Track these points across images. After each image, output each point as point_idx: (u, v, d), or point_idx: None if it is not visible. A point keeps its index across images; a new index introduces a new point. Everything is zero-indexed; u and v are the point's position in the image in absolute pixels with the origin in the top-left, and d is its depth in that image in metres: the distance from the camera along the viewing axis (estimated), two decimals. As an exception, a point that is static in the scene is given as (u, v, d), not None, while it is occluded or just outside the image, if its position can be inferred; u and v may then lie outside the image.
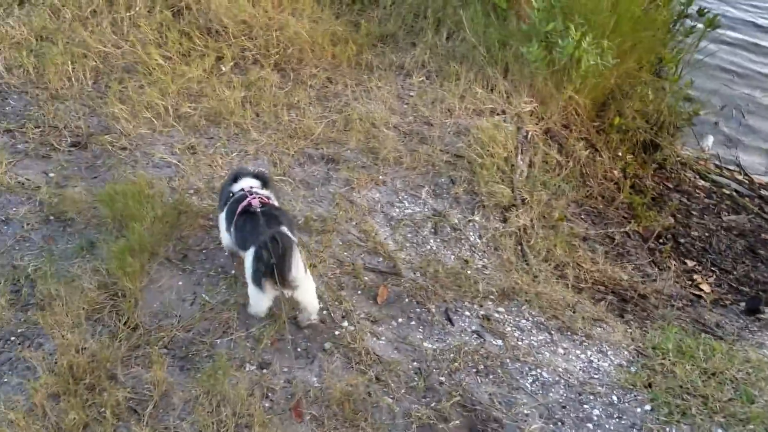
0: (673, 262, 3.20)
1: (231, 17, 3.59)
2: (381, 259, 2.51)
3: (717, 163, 4.40)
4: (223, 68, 3.42)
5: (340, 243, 2.55)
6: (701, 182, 4.06)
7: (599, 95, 3.71)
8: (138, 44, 3.43)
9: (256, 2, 3.69)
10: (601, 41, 3.29)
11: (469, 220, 2.83)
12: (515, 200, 2.96)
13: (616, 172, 3.68)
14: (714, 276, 3.22)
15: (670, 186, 3.96)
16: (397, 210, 2.79)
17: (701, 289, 3.06)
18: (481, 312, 2.34)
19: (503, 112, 3.38)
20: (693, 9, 4.65)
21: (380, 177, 2.93)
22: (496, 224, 2.84)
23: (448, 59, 3.63)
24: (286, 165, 2.90)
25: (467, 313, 2.33)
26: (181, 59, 3.41)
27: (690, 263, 3.29)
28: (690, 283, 3.10)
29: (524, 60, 3.45)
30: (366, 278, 2.41)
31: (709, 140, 4.51)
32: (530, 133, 3.33)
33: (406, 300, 2.36)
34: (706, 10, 4.85)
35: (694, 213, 3.74)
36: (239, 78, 3.35)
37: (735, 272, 3.28)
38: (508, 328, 2.28)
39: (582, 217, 3.19)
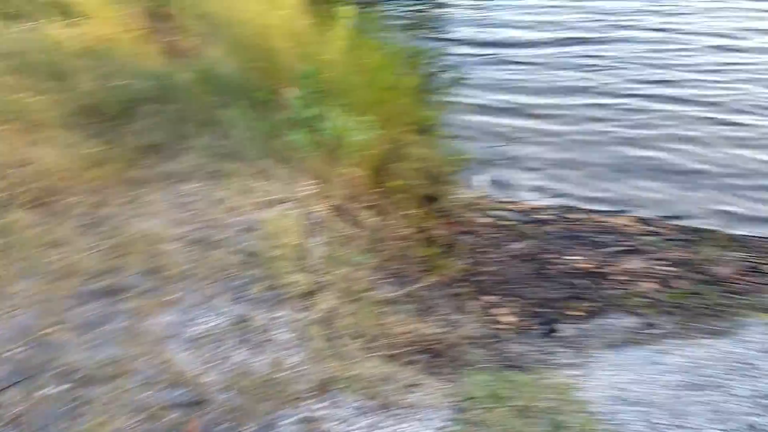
0: (475, 302, 3.40)
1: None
2: (184, 389, 2.33)
3: (495, 197, 4.85)
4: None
5: (135, 385, 2.32)
6: (486, 219, 4.43)
7: (375, 163, 3.92)
8: None
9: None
10: (360, 117, 3.50)
11: (273, 318, 2.75)
12: (316, 285, 2.95)
13: (408, 230, 3.87)
14: (513, 305, 3.47)
15: (460, 230, 4.26)
16: (195, 328, 2.63)
17: (504, 322, 3.28)
18: (301, 415, 2.25)
19: (288, 200, 3.41)
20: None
21: (170, 297, 2.75)
22: (301, 315, 2.80)
23: (223, 158, 3.60)
24: (58, 312, 2.60)
25: (286, 421, 2.22)
26: None
27: (490, 298, 3.53)
28: (493, 318, 3.31)
29: (296, 147, 3.53)
30: (172, 416, 2.21)
31: (484, 179, 4.97)
32: (319, 214, 3.39)
33: (221, 428, 2.19)
34: (454, 67, 5.44)
35: (484, 250, 4.04)
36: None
37: (530, 297, 3.57)
38: (331, 424, 2.22)
39: (385, 281, 3.28)
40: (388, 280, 3.24)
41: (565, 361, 2.70)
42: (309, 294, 2.90)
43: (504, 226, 4.27)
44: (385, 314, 2.93)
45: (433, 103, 4.94)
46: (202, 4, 4.83)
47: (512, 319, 3.27)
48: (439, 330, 2.91)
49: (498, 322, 3.27)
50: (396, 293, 3.14)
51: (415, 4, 8.08)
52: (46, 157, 3.29)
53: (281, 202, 3.40)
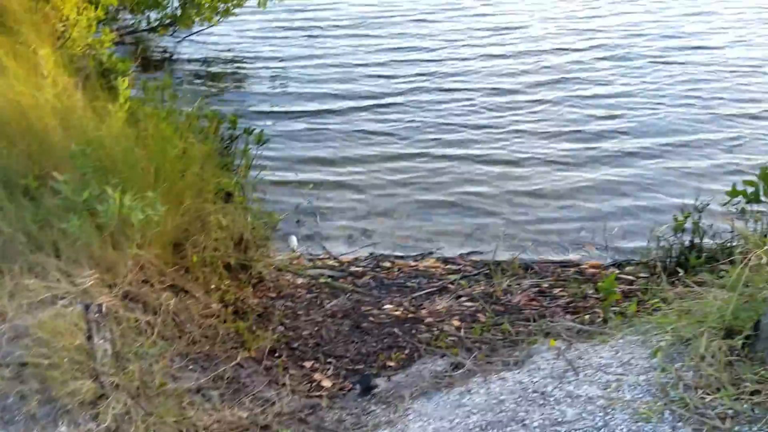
0: (292, 372, 3.27)
1: None
2: None
3: (308, 255, 4.79)
4: None
5: None
6: (300, 280, 4.34)
7: (170, 240, 3.67)
8: None
9: None
10: (145, 194, 3.26)
11: (52, 438, 2.38)
12: (104, 388, 2.63)
13: (214, 305, 3.65)
14: (331, 367, 3.39)
15: (273, 295, 4.12)
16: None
17: (324, 387, 3.18)
18: None
19: (66, 295, 3.04)
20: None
21: None
22: (88, 426, 2.46)
23: (-17, 259, 3.13)
24: None
25: None
26: None
27: (307, 364, 3.42)
28: (311, 385, 3.20)
29: (73, 234, 3.18)
30: None
31: (293, 240, 4.90)
32: (104, 305, 3.05)
33: None
34: (252, 128, 5.36)
35: (300, 313, 3.94)
36: None
37: (348, 355, 3.52)
38: None
39: (189, 367, 3.03)
40: (192, 366, 3.00)
41: (382, 419, 2.66)
42: (96, 400, 2.57)
43: (318, 284, 4.22)
44: (190, 406, 2.69)
45: (233, 168, 4.82)
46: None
47: (330, 383, 3.19)
48: (250, 412, 2.73)
49: (317, 389, 3.17)
50: (201, 380, 2.90)
51: (206, 69, 7.99)
52: None
53: (60, 298, 3.02)
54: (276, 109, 6.84)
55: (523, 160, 5.67)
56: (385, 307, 3.95)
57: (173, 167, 3.79)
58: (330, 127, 6.39)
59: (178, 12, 8.14)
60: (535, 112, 6.57)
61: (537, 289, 3.68)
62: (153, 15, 8.32)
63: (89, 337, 2.84)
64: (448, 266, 4.23)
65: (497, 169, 5.54)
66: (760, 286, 2.31)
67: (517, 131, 6.19)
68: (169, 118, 4.36)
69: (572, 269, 3.95)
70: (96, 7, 6.13)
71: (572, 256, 4.19)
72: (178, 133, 4.19)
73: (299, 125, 6.46)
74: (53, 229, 3.25)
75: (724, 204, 3.30)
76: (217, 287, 3.80)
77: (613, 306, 3.27)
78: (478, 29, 9.05)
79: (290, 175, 5.67)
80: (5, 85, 4.08)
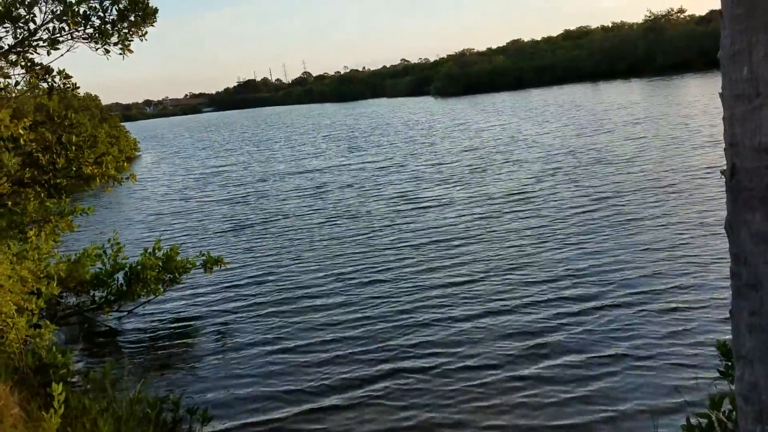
0: None
1: None
2: None
3: None
4: None
5: None
6: None
7: None
8: None
9: None
10: None
11: None
12: None
13: None
14: None
15: None
16: None
17: None
18: None
19: None
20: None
21: None
22: None
23: None
24: None
25: None
26: None
27: None
28: None
29: None
30: None
31: None
32: None
33: None
34: (196, 407, 5.26)
35: None
36: None
37: None
38: None
39: None
40: None
41: None
42: None
43: None
44: None
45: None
46: None
47: None
48: None
49: None
50: None
51: (150, 341, 8.00)
52: None
53: None
54: (222, 373, 6.78)
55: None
56: None
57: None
58: (278, 387, 6.35)
59: (124, 288, 8.39)
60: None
61: None
62: (98, 294, 8.53)
63: None
64: None
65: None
66: None
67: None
68: (109, 410, 4.28)
69: None
70: (38, 297, 6.26)
71: None
72: (119, 424, 4.09)
73: (247, 388, 6.37)
74: None
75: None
76: None
77: None
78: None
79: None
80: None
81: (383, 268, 9.69)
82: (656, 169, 14.76)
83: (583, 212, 11.63)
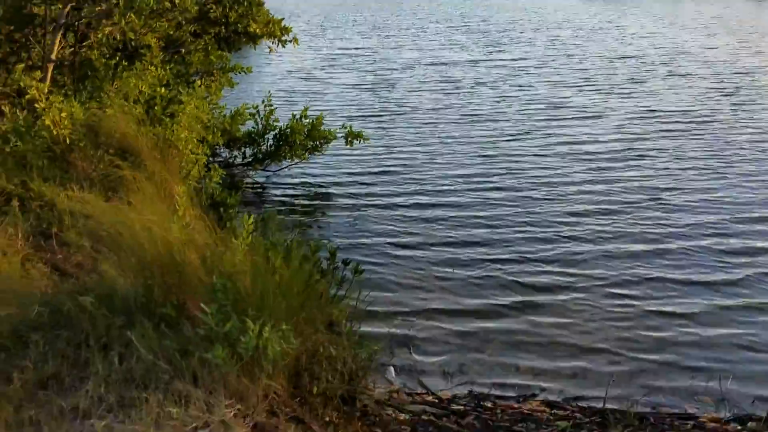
0: None
1: None
2: None
3: (409, 389, 4.81)
4: None
5: None
6: (402, 416, 4.35)
7: (290, 371, 3.80)
8: None
9: None
10: (279, 326, 3.45)
11: None
12: None
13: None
14: None
15: (378, 430, 4.13)
16: None
17: None
18: None
19: (206, 424, 3.16)
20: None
21: None
22: None
23: (129, 385, 3.31)
24: None
25: None
26: None
27: None
28: None
29: (212, 363, 3.36)
30: None
31: (391, 372, 4.96)
32: (240, 438, 3.16)
33: None
34: (349, 260, 5.62)
35: (409, 453, 3.91)
36: None
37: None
38: None
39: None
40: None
41: None
42: None
43: (422, 422, 4.22)
44: None
45: (338, 298, 5.01)
46: (90, 219, 4.72)
47: None
48: None
49: None
50: None
51: (294, 202, 8.46)
52: None
53: (200, 427, 3.15)
54: (363, 241, 7.14)
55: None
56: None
57: (296, 301, 4.00)
58: (418, 255, 6.61)
59: (272, 149, 8.83)
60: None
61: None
62: (248, 151, 9.04)
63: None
64: (554, 411, 4.17)
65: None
66: None
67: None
68: (286, 252, 4.65)
69: (690, 422, 3.84)
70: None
71: (688, 408, 4.08)
72: (299, 268, 4.45)
73: (386, 258, 6.70)
74: (194, 357, 3.44)
75: None
76: (330, 419, 3.86)
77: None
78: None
79: (380, 306, 5.82)
80: (136, 218, 4.50)
81: (523, 176, 9.38)
82: None
83: (762, 141, 10.64)
